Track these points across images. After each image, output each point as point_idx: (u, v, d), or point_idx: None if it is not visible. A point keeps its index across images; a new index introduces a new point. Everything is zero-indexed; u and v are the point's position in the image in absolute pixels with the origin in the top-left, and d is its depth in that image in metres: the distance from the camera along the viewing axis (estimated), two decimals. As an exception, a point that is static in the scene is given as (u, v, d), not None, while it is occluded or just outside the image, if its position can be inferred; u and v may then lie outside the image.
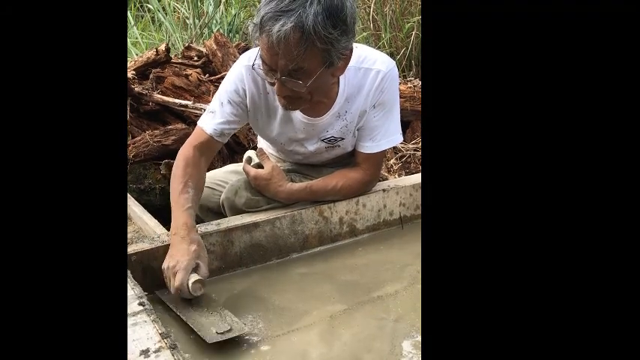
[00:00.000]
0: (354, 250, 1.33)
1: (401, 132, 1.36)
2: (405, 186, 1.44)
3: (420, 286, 1.16)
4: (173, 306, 1.05)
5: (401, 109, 1.38)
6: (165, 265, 1.06)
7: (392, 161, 2.06)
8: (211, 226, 1.21)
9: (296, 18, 0.98)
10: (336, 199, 1.34)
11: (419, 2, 2.75)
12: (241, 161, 1.41)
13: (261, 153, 1.34)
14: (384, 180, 1.55)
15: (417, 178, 1.50)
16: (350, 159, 1.40)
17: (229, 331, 0.96)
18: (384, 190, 1.41)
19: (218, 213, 1.40)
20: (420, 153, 2.11)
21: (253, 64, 1.13)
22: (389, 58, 1.28)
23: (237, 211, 1.31)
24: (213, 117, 1.26)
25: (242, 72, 1.23)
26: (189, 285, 1.02)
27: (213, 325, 0.98)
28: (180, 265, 1.03)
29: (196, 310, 1.04)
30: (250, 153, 1.37)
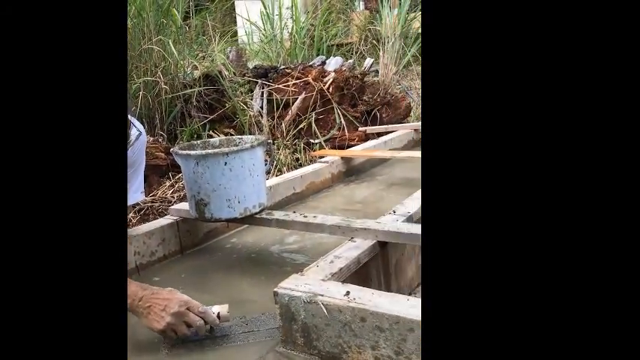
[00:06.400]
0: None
1: (143, 190, 1.47)
2: (137, 235, 1.53)
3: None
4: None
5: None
6: (162, 325, 0.99)
7: (130, 215, 2.10)
8: None
9: None
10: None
11: (138, 64, 2.89)
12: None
13: None
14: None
15: (148, 227, 1.60)
16: None
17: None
18: (116, 243, 1.46)
19: None
20: (157, 204, 2.22)
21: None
22: (138, 123, 1.38)
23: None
24: None
25: None
26: (221, 314, 1.05)
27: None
28: (181, 307, 1.00)
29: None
30: None
